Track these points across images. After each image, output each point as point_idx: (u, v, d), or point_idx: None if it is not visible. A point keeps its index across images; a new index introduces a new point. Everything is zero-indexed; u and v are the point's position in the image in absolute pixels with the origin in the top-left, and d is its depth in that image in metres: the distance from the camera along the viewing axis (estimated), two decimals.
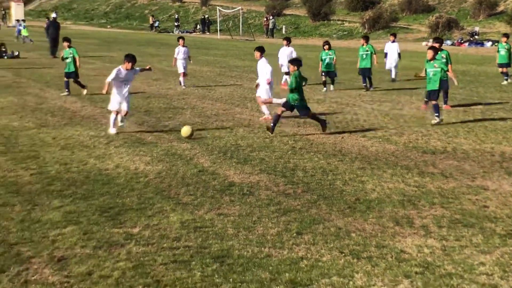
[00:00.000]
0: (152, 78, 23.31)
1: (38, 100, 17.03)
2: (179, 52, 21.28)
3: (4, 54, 30.82)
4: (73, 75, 18.56)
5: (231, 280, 5.87)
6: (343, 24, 62.36)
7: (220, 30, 65.44)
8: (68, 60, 18.42)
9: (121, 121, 13.07)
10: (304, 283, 5.84)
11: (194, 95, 19.33)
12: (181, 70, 21.29)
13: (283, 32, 63.49)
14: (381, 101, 18.48)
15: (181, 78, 21.44)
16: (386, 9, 60.10)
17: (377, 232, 7.30)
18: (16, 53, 31.35)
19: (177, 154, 11.21)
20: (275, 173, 9.95)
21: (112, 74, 12.64)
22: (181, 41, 21.51)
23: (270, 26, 64.50)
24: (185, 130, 12.44)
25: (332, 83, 20.97)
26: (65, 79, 18.51)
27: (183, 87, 21.08)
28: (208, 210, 8.03)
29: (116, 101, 12.74)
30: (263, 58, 15.33)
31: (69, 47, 18.50)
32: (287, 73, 20.42)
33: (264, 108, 15.21)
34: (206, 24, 71.28)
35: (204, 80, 23.58)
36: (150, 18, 75.56)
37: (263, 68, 15.20)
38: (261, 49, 15.31)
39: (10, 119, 13.99)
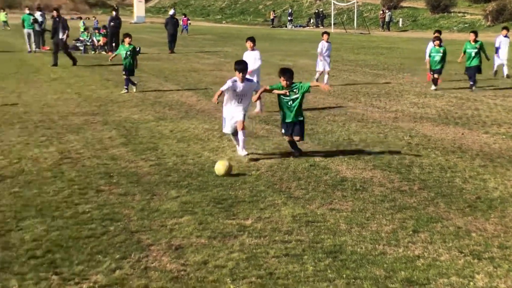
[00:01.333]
0: (265, 73, 23.51)
1: (157, 94, 17.70)
2: (323, 47, 19.55)
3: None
4: (130, 72, 17.91)
5: (344, 276, 5.79)
6: (464, 16, 59.85)
7: (334, 24, 64.93)
8: (125, 57, 17.75)
9: (243, 135, 10.43)
10: (421, 282, 5.66)
11: None
12: (320, 68, 19.69)
13: (400, 25, 61.99)
14: (505, 96, 17.53)
15: (321, 76, 19.86)
16: (510, 1, 56.98)
17: (499, 232, 6.93)
18: (138, 49, 32.76)
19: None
20: (389, 169, 9.72)
21: (226, 85, 10.34)
22: (325, 36, 19.57)
23: (387, 19, 63.14)
24: (220, 168, 9.32)
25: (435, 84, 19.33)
26: (124, 76, 17.96)
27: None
28: (320, 204, 7.97)
29: (229, 124, 10.53)
30: (256, 50, 15.11)
31: (130, 44, 18.07)
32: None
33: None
34: (320, 18, 70.97)
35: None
36: (271, 13, 76.01)
37: (252, 60, 14.89)
38: (253, 40, 15.19)
39: (131, 112, 14.64)
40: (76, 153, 10.50)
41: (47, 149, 10.66)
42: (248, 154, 10.40)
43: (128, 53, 17.79)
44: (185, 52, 33.38)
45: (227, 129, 10.64)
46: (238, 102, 10.43)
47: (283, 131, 10.58)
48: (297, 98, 10.23)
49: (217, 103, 10.80)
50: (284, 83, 10.20)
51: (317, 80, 19.48)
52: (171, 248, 6.45)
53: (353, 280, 5.69)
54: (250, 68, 14.80)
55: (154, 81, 20.64)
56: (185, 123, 13.44)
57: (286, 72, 10.22)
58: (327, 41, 19.61)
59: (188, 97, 17.42)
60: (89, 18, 62.92)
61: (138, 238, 6.71)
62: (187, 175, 9.28)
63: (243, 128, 10.40)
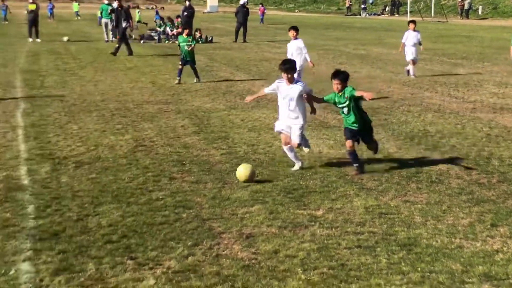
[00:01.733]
0: (337, 62, 23.26)
1: (229, 84, 17.82)
2: (408, 36, 18.78)
3: (199, 39, 32.69)
4: (191, 63, 17.88)
5: (419, 269, 5.64)
6: None
7: (410, 11, 63.42)
8: (187, 48, 17.70)
9: (305, 146, 9.36)
10: (499, 277, 5.44)
11: (380, 79, 18.92)
12: (409, 57, 18.88)
13: (479, 13, 59.83)
14: None
15: (409, 67, 19.07)
16: None
17: None
18: (210, 38, 33.07)
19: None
20: (467, 161, 9.40)
21: (270, 86, 9.35)
22: (411, 25, 18.94)
23: (466, 6, 61.11)
24: (243, 173, 8.43)
25: None
26: (180, 66, 17.80)
27: (412, 76, 18.85)
28: (394, 196, 7.80)
29: (279, 123, 9.21)
30: (299, 39, 15.18)
31: (188, 35, 18.06)
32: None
33: None
34: (396, 6, 69.49)
35: (392, 64, 22.99)
36: (347, 1, 74.93)
37: (295, 49, 14.88)
38: (296, 28, 15.07)
39: (203, 101, 14.81)
40: (150, 141, 10.71)
41: (122, 137, 10.92)
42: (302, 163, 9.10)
43: (186, 44, 17.82)
44: (257, 41, 33.45)
45: (276, 127, 9.21)
46: (288, 109, 8.92)
47: (344, 136, 9.20)
48: (347, 106, 8.85)
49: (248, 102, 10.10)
50: (335, 87, 8.87)
51: (408, 72, 19.05)
52: (242, 236, 6.47)
53: (428, 274, 5.54)
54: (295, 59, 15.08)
55: (225, 71, 20.79)
56: (256, 113, 13.46)
57: (339, 75, 8.88)
58: (414, 30, 18.88)
59: (259, 86, 17.40)
60: (163, 8, 64.07)
61: (210, 226, 6.77)
62: (257, 165, 9.29)
63: (297, 147, 9.06)
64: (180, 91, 16.24)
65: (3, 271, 5.49)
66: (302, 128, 8.98)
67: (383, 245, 6.20)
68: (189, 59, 17.86)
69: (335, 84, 8.83)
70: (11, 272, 5.47)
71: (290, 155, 9.04)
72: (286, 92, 8.86)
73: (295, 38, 15.32)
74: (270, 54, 26.26)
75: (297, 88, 8.85)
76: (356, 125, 8.85)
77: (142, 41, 32.05)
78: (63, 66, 20.56)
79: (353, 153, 8.88)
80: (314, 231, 6.63)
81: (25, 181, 8.23)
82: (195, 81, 17.92)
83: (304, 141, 9.19)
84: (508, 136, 11.03)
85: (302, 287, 5.29)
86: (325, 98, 9.23)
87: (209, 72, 20.18)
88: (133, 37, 33.17)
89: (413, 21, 19.55)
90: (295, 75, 9.16)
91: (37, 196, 7.62)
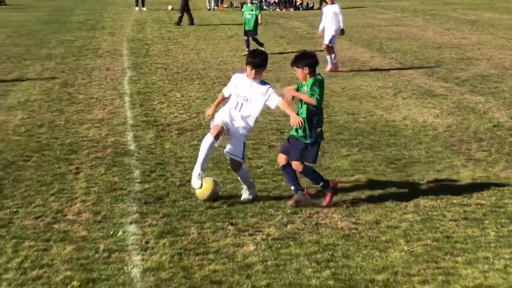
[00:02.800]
0: (445, 28, 22.30)
1: None
2: None
3: (300, 6, 32.38)
4: (252, 33, 17.24)
5: None
6: None
7: None
8: (248, 17, 17.22)
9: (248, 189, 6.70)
10: None
11: (491, 45, 17.95)
12: None
13: None
14: None
15: None
16: None
17: None
18: (311, 5, 32.68)
19: (469, 107, 10.57)
20: None
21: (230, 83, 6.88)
22: None
23: None
24: (203, 192, 6.53)
25: None
26: (245, 37, 17.40)
27: None
28: (504, 168, 7.42)
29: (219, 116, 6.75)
30: (335, 4, 14.66)
31: (252, 3, 17.54)
32: None
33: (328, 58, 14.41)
34: None
35: (504, 29, 21.74)
36: None
37: (331, 16, 14.57)
38: None
39: None
40: None
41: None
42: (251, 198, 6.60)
43: (248, 13, 17.35)
44: (361, 7, 32.69)
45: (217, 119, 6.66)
46: (236, 110, 6.56)
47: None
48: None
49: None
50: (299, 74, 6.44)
51: None
52: (342, 206, 6.39)
53: None
54: (328, 29, 14.57)
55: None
56: (357, 81, 13.18)
57: (296, 61, 6.40)
58: None
59: (361, 53, 17.06)
60: None
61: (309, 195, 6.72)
62: (358, 134, 9.11)
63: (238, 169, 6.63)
64: (280, 59, 16.17)
65: (111, 232, 5.74)
66: (245, 142, 6.64)
67: (491, 218, 5.93)
68: (250, 29, 17.22)
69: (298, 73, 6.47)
70: (119, 234, 5.71)
71: (243, 177, 6.64)
72: (244, 91, 6.54)
73: (332, 3, 14.87)
74: (374, 20, 25.59)
75: (259, 90, 6.48)
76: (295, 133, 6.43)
77: (243, 9, 32.23)
78: (167, 35, 21.04)
79: (291, 172, 6.50)
80: (418, 202, 6.44)
81: (132, 147, 8.53)
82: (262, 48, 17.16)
83: (246, 179, 6.64)
84: None
85: (404, 258, 5.16)
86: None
87: (309, 39, 19.95)
88: (234, 4, 33.37)
89: None
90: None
91: (142, 161, 7.88)
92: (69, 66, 14.70)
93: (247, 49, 17.03)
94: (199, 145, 8.52)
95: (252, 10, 17.37)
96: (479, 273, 4.86)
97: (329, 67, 14.48)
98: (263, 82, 6.57)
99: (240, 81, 6.62)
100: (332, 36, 14.63)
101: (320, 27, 15.09)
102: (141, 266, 5.09)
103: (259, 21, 17.42)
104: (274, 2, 32.75)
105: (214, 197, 6.51)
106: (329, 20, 14.81)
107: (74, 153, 8.20)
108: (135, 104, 11.06)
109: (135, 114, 10.35)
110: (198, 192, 6.49)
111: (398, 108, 10.70)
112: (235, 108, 6.56)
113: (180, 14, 24.36)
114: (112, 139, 8.88)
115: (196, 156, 8.06)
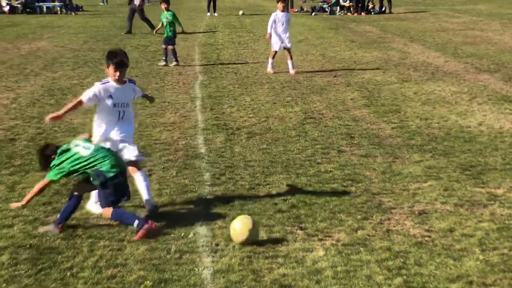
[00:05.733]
0: None
1: (401, 55, 17.25)
2: None
3: (371, 10, 31.98)
4: (170, 42, 15.79)
5: None
6: None
7: None
8: (164, 25, 15.95)
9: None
10: None
11: None
12: None
13: None
14: None
15: None
16: None
17: None
18: (383, 9, 32.23)
19: None
20: None
21: (89, 91, 6.42)
22: None
23: None
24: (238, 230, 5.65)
25: None
26: (163, 46, 16.06)
27: None
28: None
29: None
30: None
31: (167, 10, 15.91)
32: None
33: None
34: None
35: None
36: None
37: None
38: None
39: (374, 74, 14.49)
40: (319, 113, 10.71)
41: (292, 109, 11.04)
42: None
43: (165, 20, 15.92)
44: (434, 10, 31.99)
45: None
46: (120, 119, 6.32)
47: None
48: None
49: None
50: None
51: None
52: (414, 213, 6.26)
53: None
54: None
55: (398, 42, 20.15)
56: (430, 85, 12.89)
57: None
58: None
59: (435, 58, 16.69)
60: None
61: (380, 201, 6.63)
62: (431, 139, 8.91)
63: (139, 169, 6.42)
64: (351, 63, 16.03)
65: (182, 234, 5.83)
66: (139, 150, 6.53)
67: None
68: (170, 38, 15.80)
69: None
70: (190, 235, 5.79)
71: (142, 185, 6.33)
72: (119, 97, 6.27)
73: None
74: (447, 24, 24.99)
75: (131, 89, 6.45)
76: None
77: (313, 13, 32.13)
78: (238, 40, 21.25)
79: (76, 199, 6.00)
80: (494, 210, 6.23)
81: (202, 150, 8.65)
82: (172, 64, 15.76)
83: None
84: None
85: (480, 267, 4.99)
86: None
87: (381, 43, 19.68)
88: (305, 9, 33.33)
89: None
90: None
91: (212, 164, 7.97)
92: (143, 71, 15.06)
93: (164, 58, 15.87)
94: (268, 149, 8.61)
95: (167, 18, 15.91)
96: None
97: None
98: (130, 80, 6.51)
99: (113, 90, 6.22)
100: None
101: None
102: (212, 268, 5.15)
103: (177, 30, 16.17)
104: (344, 6, 32.50)
105: (252, 240, 5.57)
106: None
107: (147, 155, 8.40)
108: (206, 108, 11.22)
109: (206, 118, 10.49)
110: (234, 233, 5.59)
111: (473, 113, 10.40)
112: (120, 119, 6.29)
113: (147, 24, 23.14)
114: (184, 142, 9.04)
115: (265, 160, 8.12)
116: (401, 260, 5.19)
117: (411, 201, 6.59)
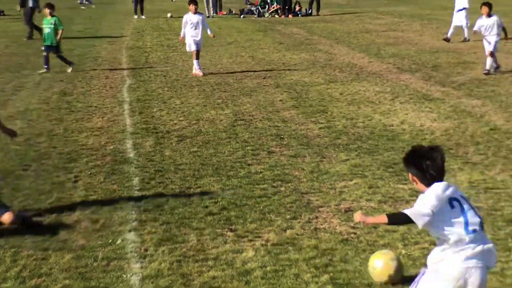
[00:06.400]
0: (442, 32, 22.37)
1: (328, 56, 17.61)
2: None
3: (298, 12, 32.42)
4: (54, 49, 15.09)
5: None
6: None
7: None
8: (47, 31, 15.05)
9: None
10: None
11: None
12: None
13: None
14: None
15: None
16: None
17: None
18: (309, 11, 32.75)
19: (466, 111, 10.61)
20: None
21: None
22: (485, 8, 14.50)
23: None
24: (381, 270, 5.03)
25: None
26: (44, 53, 15.21)
27: None
28: (500, 171, 7.46)
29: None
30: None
31: (52, 15, 15.23)
32: None
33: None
34: None
35: None
36: None
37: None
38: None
39: (302, 75, 14.73)
40: (249, 115, 10.81)
41: (222, 111, 11.09)
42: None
43: (48, 27, 15.06)
44: (358, 12, 32.78)
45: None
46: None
47: None
48: None
49: None
50: None
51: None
52: (340, 210, 6.43)
53: None
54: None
55: (324, 43, 20.54)
56: (355, 86, 13.24)
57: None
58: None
59: (359, 59, 17.12)
60: None
61: (308, 200, 6.77)
62: (356, 138, 9.16)
63: None
64: (279, 65, 16.24)
65: (110, 240, 5.77)
66: None
67: (488, 221, 5.97)
68: (49, 45, 15.03)
69: None
70: (118, 242, 5.74)
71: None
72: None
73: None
74: (371, 26, 25.67)
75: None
76: None
77: (241, 16, 32.30)
78: (166, 42, 21.10)
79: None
80: None
81: (131, 154, 8.57)
82: (69, 70, 15.13)
83: None
84: None
85: (402, 262, 5.18)
86: None
87: (308, 45, 20.02)
88: (233, 11, 33.45)
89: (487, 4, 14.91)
90: None
91: (142, 169, 7.92)
92: (68, 75, 14.75)
93: (45, 66, 15.05)
94: (199, 151, 8.62)
95: (51, 23, 15.05)
96: None
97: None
98: None
99: None
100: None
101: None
102: (140, 274, 5.12)
103: (58, 37, 15.02)
104: (274, 9, 32.85)
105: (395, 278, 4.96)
106: None
107: (73, 161, 8.25)
108: (134, 112, 11.11)
109: (135, 122, 10.39)
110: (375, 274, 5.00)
111: (396, 112, 10.75)
112: None
113: (28, 28, 22.29)
114: (111, 147, 8.93)
115: (195, 163, 8.13)
116: (328, 257, 5.34)
117: (338, 199, 6.77)
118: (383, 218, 4.04)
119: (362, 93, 12.50)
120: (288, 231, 5.92)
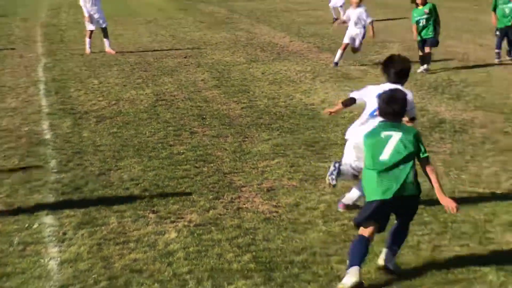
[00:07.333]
0: None
1: (249, 36, 17.60)
2: None
3: None
4: None
5: (441, 219, 5.65)
6: None
7: None
8: None
9: None
10: None
11: (403, 27, 18.51)
12: None
13: None
14: None
15: None
16: None
17: None
18: None
19: None
20: (492, 110, 9.22)
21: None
22: None
23: None
24: None
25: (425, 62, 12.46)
26: None
27: None
28: None
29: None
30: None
31: None
32: None
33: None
34: None
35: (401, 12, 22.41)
36: None
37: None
38: None
39: (223, 54, 14.66)
40: (171, 95, 10.67)
41: (143, 91, 10.89)
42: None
43: None
44: None
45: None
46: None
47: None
48: None
49: None
50: None
51: None
52: (262, 190, 6.47)
53: (450, 224, 5.52)
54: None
55: (245, 23, 20.52)
56: (277, 65, 13.31)
57: None
58: None
59: (280, 38, 17.21)
60: None
61: (231, 180, 6.77)
62: (278, 118, 9.23)
63: None
64: (200, 44, 16.09)
65: (26, 225, 5.57)
66: None
67: None
68: None
69: None
70: (35, 226, 5.55)
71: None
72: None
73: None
74: (292, 5, 25.83)
75: None
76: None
77: None
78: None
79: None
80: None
81: (47, 136, 8.29)
82: None
83: None
84: None
85: (322, 238, 5.29)
86: None
87: (229, 24, 19.94)
88: None
89: None
90: None
91: (59, 151, 7.67)
92: None
93: None
94: (119, 132, 8.42)
95: None
96: None
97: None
98: None
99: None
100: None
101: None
102: (59, 258, 4.98)
103: None
104: None
105: None
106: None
107: None
108: (50, 92, 10.73)
109: (51, 102, 10.04)
110: None
111: (317, 91, 10.90)
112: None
113: None
114: (27, 128, 8.60)
115: (115, 144, 7.95)
116: (251, 236, 5.36)
117: (260, 178, 6.81)
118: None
119: (283, 72, 12.58)
120: (211, 212, 5.90)
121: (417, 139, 4.58)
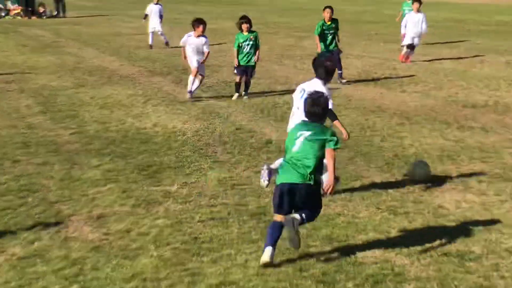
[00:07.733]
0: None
1: (76, 59, 17.12)
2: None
3: (43, 14, 31.05)
4: None
5: None
6: None
7: None
8: None
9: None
10: (340, 239, 5.78)
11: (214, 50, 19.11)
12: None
13: None
14: (421, 55, 17.99)
15: None
16: None
17: (414, 188, 7.16)
18: (55, 13, 31.53)
19: (214, 112, 11.14)
20: None
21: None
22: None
23: None
24: None
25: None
26: None
27: None
28: (246, 168, 7.97)
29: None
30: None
31: None
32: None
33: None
34: None
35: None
36: None
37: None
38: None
39: (49, 79, 14.11)
40: None
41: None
42: None
43: None
44: (108, 15, 32.40)
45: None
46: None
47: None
48: None
49: None
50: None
51: None
52: (92, 217, 6.30)
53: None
54: None
55: (72, 46, 19.96)
56: (107, 89, 13.09)
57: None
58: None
59: (110, 62, 16.96)
60: None
61: (58, 209, 6.53)
62: (110, 143, 9.07)
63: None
64: (24, 68, 15.35)
65: None
66: None
67: (235, 216, 6.33)
68: None
69: None
70: None
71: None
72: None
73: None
74: (121, 29, 25.58)
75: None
76: None
77: None
78: None
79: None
80: (168, 206, 6.62)
81: None
82: None
83: None
84: (349, 105, 11.67)
85: (154, 264, 5.26)
86: None
87: (55, 48, 19.26)
88: None
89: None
90: None
91: None
92: None
93: None
94: None
95: None
96: (222, 270, 5.14)
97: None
98: None
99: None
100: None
101: None
102: None
103: None
104: (15, 11, 31.02)
105: None
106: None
107: None
108: None
109: None
110: None
111: (149, 115, 10.87)
112: None
113: None
114: None
115: None
116: (79, 266, 5.19)
117: (90, 205, 6.63)
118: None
119: (114, 96, 12.39)
120: (36, 243, 5.63)
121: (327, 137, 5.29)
